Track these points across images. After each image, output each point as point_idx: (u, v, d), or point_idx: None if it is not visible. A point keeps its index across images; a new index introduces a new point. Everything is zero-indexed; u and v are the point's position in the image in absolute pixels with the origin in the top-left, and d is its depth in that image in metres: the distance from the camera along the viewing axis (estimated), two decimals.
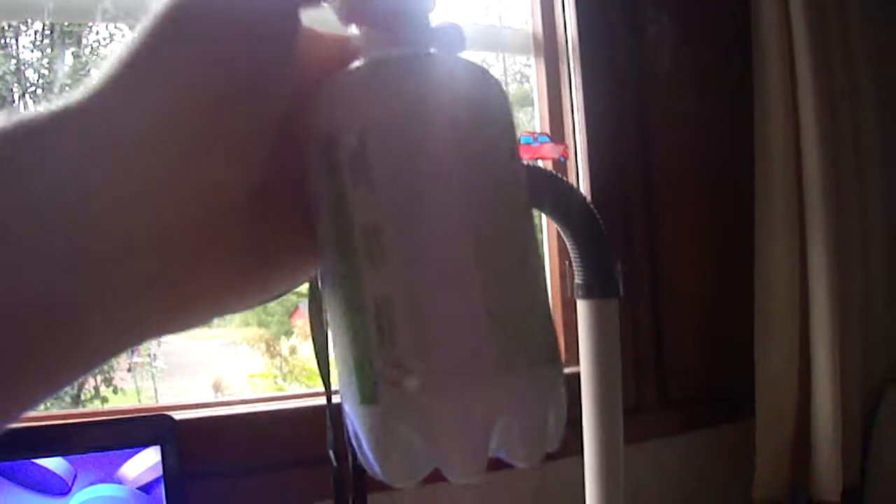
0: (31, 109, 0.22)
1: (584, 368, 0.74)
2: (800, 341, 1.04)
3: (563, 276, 1.08)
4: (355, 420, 0.25)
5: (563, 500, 0.87)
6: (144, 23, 0.23)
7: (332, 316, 0.26)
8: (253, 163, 0.24)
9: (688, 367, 1.08)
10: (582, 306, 0.72)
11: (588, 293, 0.70)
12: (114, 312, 0.22)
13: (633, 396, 1.02)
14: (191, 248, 0.23)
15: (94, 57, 2.27)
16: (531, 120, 1.15)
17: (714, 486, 1.08)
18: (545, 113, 1.09)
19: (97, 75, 0.23)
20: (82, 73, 2.26)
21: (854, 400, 1.07)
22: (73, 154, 0.21)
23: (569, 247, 0.70)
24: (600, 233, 0.68)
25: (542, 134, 0.97)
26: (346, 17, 0.27)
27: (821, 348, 1.01)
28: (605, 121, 1.03)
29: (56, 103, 0.22)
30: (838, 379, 1.01)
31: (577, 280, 0.71)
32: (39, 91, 2.21)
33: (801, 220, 1.02)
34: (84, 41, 2.33)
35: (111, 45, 2.37)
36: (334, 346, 0.26)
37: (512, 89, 2.33)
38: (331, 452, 0.63)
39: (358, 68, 0.26)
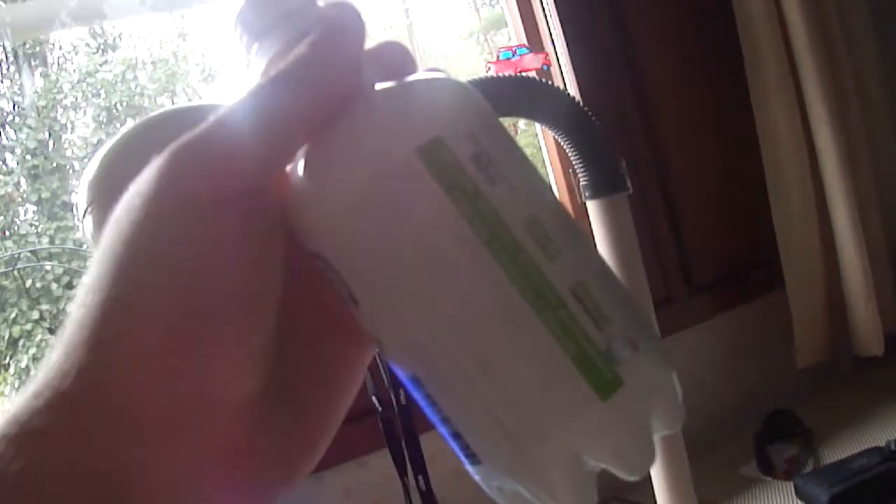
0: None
1: None
2: (815, 196, 1.03)
3: (570, 187, 1.07)
4: (588, 427, 0.22)
5: None
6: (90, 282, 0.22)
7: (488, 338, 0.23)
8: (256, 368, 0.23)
9: (710, 250, 1.08)
10: (592, 207, 0.71)
11: (595, 192, 0.69)
12: None
13: (661, 290, 1.02)
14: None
15: (62, 72, 2.25)
16: (510, 40, 1.13)
17: (757, 360, 1.08)
18: (519, 26, 1.06)
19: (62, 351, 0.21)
20: (54, 91, 2.25)
21: (879, 244, 1.06)
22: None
23: (568, 151, 0.69)
24: (595, 129, 0.67)
25: (520, 46, 0.95)
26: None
27: (836, 198, 1.00)
28: (580, 20, 1.01)
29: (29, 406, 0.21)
30: (859, 226, 1.00)
31: (583, 182, 0.70)
32: (16, 118, 2.20)
33: (794, 74, 1.00)
34: (49, 59, 2.31)
35: (76, 56, 2.34)
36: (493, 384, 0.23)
37: (483, 13, 2.29)
38: (374, 398, 0.64)
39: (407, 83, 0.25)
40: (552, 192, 0.26)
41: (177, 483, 0.22)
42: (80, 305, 0.22)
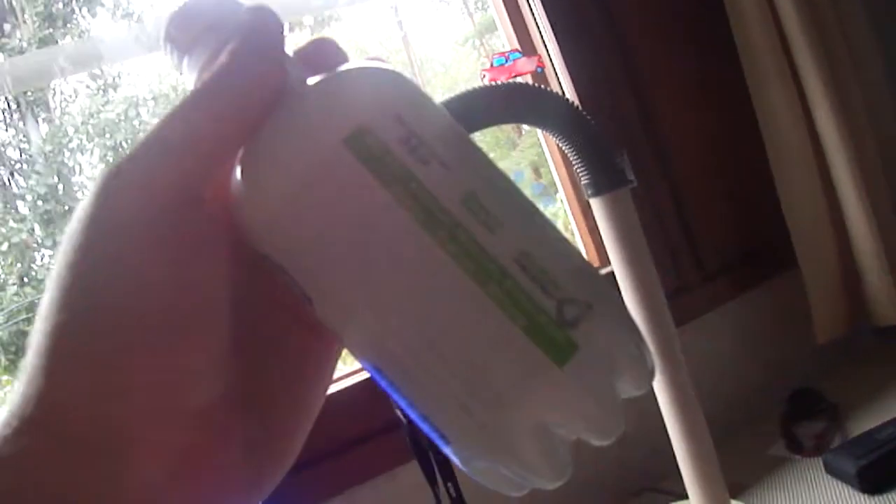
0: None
1: (616, 264, 0.74)
2: (819, 171, 1.03)
3: (575, 186, 1.08)
4: (547, 395, 0.22)
5: None
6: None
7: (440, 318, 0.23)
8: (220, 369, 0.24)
9: (720, 235, 1.08)
10: (596, 204, 0.71)
11: (597, 189, 0.70)
12: None
13: (674, 280, 1.03)
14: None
15: (65, 116, 2.28)
16: (503, 45, 1.14)
17: (777, 340, 1.08)
18: (510, 31, 1.07)
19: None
20: (59, 135, 2.28)
21: (887, 212, 1.06)
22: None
23: (566, 151, 0.70)
24: (590, 126, 0.68)
25: (513, 51, 0.96)
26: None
27: (840, 171, 1.00)
28: (569, 19, 1.01)
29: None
30: (866, 197, 1.00)
31: (584, 180, 0.71)
32: (24, 166, 2.23)
33: (788, 55, 1.00)
34: (52, 104, 2.34)
35: (78, 99, 2.37)
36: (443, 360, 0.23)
37: (477, 18, 2.31)
38: (398, 412, 0.65)
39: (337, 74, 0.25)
40: (492, 164, 0.25)
41: (141, 497, 0.22)
42: (36, 332, 0.22)
